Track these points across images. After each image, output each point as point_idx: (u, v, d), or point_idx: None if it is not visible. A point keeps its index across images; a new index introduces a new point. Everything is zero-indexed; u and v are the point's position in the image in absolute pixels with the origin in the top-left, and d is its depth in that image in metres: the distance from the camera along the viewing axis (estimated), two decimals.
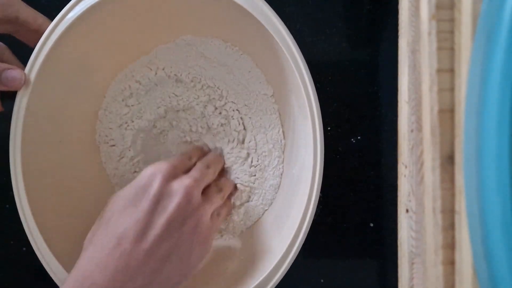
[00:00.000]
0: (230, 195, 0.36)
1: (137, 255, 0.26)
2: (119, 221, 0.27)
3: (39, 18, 0.34)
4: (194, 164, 0.33)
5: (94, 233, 0.28)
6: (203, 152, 0.37)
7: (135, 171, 0.38)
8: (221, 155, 0.37)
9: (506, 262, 0.20)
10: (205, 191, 0.32)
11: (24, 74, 0.31)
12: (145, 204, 0.28)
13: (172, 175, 0.29)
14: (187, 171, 0.32)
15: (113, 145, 0.38)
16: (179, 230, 0.28)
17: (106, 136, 0.38)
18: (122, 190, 0.29)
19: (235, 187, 0.37)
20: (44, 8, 0.41)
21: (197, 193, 0.30)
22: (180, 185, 0.29)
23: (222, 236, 0.38)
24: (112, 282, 0.26)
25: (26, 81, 0.31)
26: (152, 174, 0.29)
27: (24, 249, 0.41)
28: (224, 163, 0.37)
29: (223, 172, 0.37)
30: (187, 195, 0.29)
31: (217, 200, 0.33)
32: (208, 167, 0.33)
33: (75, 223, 0.34)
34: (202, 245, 0.30)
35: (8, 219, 0.41)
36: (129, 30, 0.35)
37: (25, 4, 0.34)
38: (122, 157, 0.38)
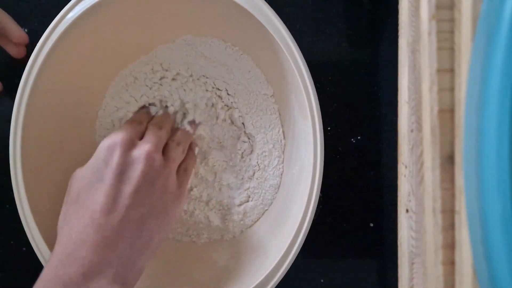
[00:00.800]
0: (191, 146, 0.37)
1: (112, 226, 0.27)
2: (88, 197, 0.28)
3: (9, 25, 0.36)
4: (145, 128, 0.34)
5: (65, 213, 0.29)
6: (150, 115, 0.37)
7: None
8: (168, 114, 0.37)
9: (506, 262, 0.20)
10: (164, 150, 0.33)
11: None
12: (109, 176, 0.28)
13: (129, 144, 0.30)
14: (141, 136, 0.32)
15: None
16: (149, 195, 0.29)
17: (105, 136, 0.38)
18: (84, 167, 0.30)
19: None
20: (44, 7, 0.41)
21: (158, 156, 0.30)
22: (140, 152, 0.29)
23: (222, 236, 0.38)
24: (93, 254, 0.26)
25: None
26: (110, 146, 0.29)
27: (24, 249, 0.41)
28: (174, 121, 0.37)
29: (175, 127, 0.37)
30: (149, 160, 0.29)
31: (178, 155, 0.33)
32: (160, 128, 0.34)
33: None
34: (175, 202, 0.31)
35: (8, 219, 0.41)
36: (129, 30, 0.35)
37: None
38: None
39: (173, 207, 0.31)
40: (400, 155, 0.35)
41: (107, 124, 0.38)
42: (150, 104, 0.37)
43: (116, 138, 0.30)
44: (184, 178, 0.34)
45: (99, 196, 0.27)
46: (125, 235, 0.27)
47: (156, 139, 0.32)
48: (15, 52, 0.38)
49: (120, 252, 0.27)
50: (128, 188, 0.28)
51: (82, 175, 0.29)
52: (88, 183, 0.28)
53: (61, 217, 0.29)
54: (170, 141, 0.34)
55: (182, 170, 0.34)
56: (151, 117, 0.36)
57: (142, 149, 0.30)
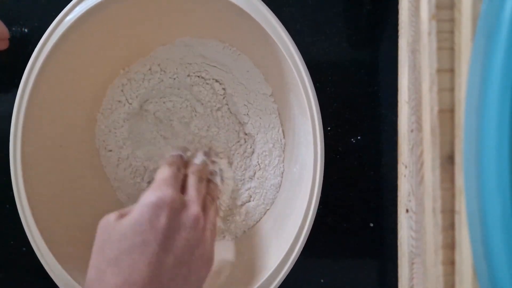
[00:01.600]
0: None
1: None
2: (130, 263, 0.26)
3: None
4: (184, 175, 0.32)
5: (102, 272, 0.26)
6: (183, 158, 0.35)
7: (134, 176, 0.38)
8: (204, 162, 0.35)
9: (506, 262, 0.20)
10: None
11: None
12: (154, 242, 0.26)
13: (177, 204, 0.28)
14: (181, 185, 0.31)
15: (110, 150, 0.38)
16: (187, 265, 0.27)
17: (104, 141, 0.38)
18: (124, 221, 0.27)
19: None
20: (44, 7, 0.41)
21: (202, 217, 0.29)
22: (188, 217, 0.28)
23: (224, 237, 0.38)
24: None
25: None
26: (157, 206, 0.27)
27: (24, 249, 0.41)
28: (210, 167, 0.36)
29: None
30: (195, 225, 0.28)
31: (213, 213, 0.32)
32: (201, 180, 0.32)
33: (75, 223, 0.34)
34: (207, 263, 0.30)
35: (8, 219, 0.41)
36: (127, 33, 0.34)
37: None
38: (120, 163, 0.38)
39: (204, 273, 0.29)
40: (400, 155, 0.35)
41: (104, 129, 0.38)
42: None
43: (164, 197, 0.27)
44: (213, 237, 0.31)
45: (141, 264, 0.25)
46: None
47: (200, 196, 0.30)
48: None
49: None
50: (171, 259, 0.26)
51: (123, 232, 0.26)
52: (131, 245, 0.26)
53: (93, 272, 0.26)
54: (207, 194, 0.33)
55: (212, 225, 0.32)
56: (186, 162, 0.34)
57: (190, 213, 0.28)
